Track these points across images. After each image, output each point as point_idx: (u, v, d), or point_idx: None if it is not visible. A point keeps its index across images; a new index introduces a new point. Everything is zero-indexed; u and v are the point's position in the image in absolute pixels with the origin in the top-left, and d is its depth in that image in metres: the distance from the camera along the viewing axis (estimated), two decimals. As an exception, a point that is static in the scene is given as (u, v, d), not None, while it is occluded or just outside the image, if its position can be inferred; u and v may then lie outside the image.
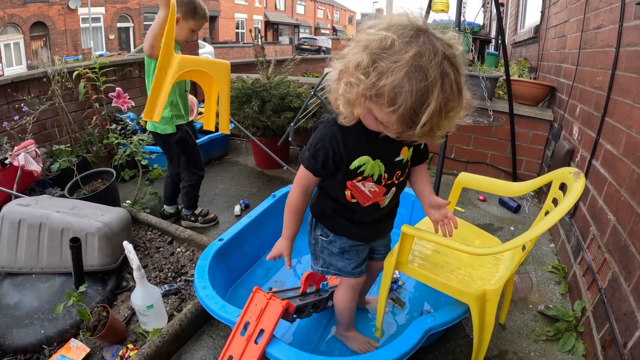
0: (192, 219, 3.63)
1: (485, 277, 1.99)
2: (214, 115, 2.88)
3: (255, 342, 1.77)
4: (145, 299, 2.31)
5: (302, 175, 1.73)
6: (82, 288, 2.39)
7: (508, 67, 4.00)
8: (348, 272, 1.99)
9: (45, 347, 2.34)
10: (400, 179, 1.77)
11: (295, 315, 1.98)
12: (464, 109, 1.32)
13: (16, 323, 2.43)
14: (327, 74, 4.14)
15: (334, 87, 1.41)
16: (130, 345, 2.31)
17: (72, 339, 2.36)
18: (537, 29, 5.76)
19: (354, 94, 1.29)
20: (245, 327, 1.82)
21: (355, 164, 1.62)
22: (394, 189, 1.78)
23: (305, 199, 1.81)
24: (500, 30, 4.18)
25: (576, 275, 2.62)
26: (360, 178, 1.66)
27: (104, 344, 2.34)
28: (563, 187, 1.85)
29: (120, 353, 2.26)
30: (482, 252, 1.79)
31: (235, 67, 7.93)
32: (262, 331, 1.78)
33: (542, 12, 5.58)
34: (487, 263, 2.10)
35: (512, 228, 3.52)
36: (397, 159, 1.67)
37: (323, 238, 1.96)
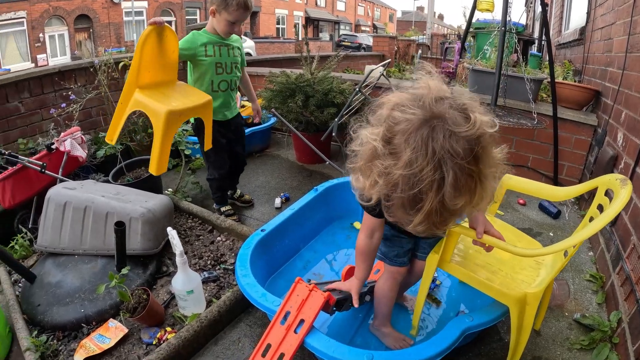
0: (217, 214, 3.62)
1: (527, 281, 1.95)
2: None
3: (295, 332, 1.77)
4: (186, 284, 2.34)
5: (365, 219, 1.78)
6: (124, 270, 2.44)
7: (553, 69, 3.92)
8: (390, 258, 2.01)
9: (84, 325, 2.41)
10: None
11: (334, 308, 1.98)
12: (487, 197, 1.26)
13: (57, 301, 2.50)
14: (371, 70, 4.15)
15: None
16: (168, 329, 2.35)
17: (111, 319, 2.42)
18: (583, 30, 5.59)
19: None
20: (286, 317, 1.83)
21: None
22: None
23: (370, 242, 1.84)
24: (546, 32, 4.11)
25: (614, 285, 2.55)
26: None
27: (142, 325, 2.38)
28: (607, 193, 1.82)
29: (158, 335, 2.30)
30: (528, 252, 1.77)
31: (277, 62, 8.01)
32: (302, 321, 1.78)
33: (588, 14, 5.42)
34: (528, 267, 2.05)
35: (551, 234, 3.44)
36: None
37: None
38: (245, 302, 2.44)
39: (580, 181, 4.04)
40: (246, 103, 5.39)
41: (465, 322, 1.91)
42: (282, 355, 1.74)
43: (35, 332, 2.36)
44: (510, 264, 2.05)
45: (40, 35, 22.44)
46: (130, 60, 4.28)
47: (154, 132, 2.53)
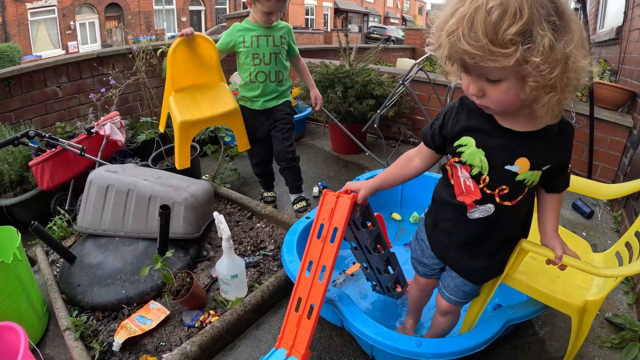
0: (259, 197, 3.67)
1: (584, 286, 1.91)
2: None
3: (331, 242, 1.75)
4: (231, 269, 2.33)
5: (420, 144, 1.66)
6: (168, 254, 2.43)
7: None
8: (411, 256, 1.97)
9: (125, 306, 2.42)
10: (505, 202, 1.46)
11: (360, 217, 1.86)
12: (572, 86, 1.14)
13: (97, 282, 2.51)
14: (414, 65, 4.11)
15: None
16: (212, 312, 2.34)
17: (152, 300, 2.43)
18: (620, 30, 5.43)
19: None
20: (320, 231, 1.80)
21: (457, 142, 1.45)
22: (491, 207, 1.48)
23: (408, 164, 1.70)
24: (585, 27, 4.00)
25: None
26: (457, 160, 1.46)
27: (184, 308, 2.38)
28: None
29: (201, 318, 2.30)
30: (610, 273, 1.63)
31: (310, 53, 7.98)
32: (335, 229, 1.75)
33: (625, 13, 5.26)
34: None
35: (584, 234, 3.36)
36: (508, 167, 1.38)
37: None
38: (286, 287, 2.48)
39: (614, 182, 3.92)
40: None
41: (508, 314, 1.93)
42: (324, 267, 1.74)
43: (75, 312, 2.38)
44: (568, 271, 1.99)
45: (71, 22, 22.72)
46: (167, 47, 4.34)
47: (174, 134, 2.91)
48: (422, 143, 1.64)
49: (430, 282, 1.96)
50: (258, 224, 3.20)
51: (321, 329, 2.29)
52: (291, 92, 3.76)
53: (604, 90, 4.04)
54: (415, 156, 1.69)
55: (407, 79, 3.98)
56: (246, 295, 2.40)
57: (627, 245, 1.94)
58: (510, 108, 1.26)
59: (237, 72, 5.38)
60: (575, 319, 1.79)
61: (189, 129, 2.89)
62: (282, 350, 1.77)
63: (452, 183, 1.55)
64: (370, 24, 44.23)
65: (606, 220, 3.57)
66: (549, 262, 1.57)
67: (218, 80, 3.13)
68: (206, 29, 26.44)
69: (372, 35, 30.23)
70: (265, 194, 3.62)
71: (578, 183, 2.14)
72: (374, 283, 2.26)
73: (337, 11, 43.37)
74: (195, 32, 2.93)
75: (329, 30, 25.44)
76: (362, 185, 1.75)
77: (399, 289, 2.21)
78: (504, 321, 1.89)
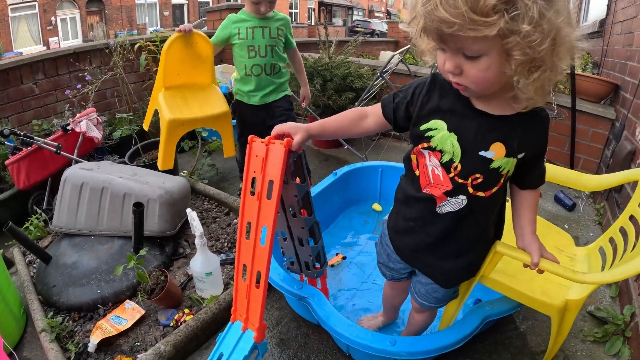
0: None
1: (565, 283, 1.83)
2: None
3: (268, 198, 1.50)
4: (205, 266, 2.30)
5: (376, 105, 1.50)
6: (142, 252, 2.41)
7: (573, 60, 3.80)
8: (377, 260, 1.85)
9: (100, 306, 2.39)
10: (479, 193, 1.34)
11: (292, 166, 1.59)
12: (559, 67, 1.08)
13: (73, 282, 2.47)
14: (392, 57, 4.09)
15: None
16: (186, 310, 2.31)
17: (128, 300, 2.39)
18: (602, 23, 5.45)
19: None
20: (253, 185, 1.56)
21: (426, 125, 1.31)
22: (464, 199, 1.36)
23: (359, 122, 1.54)
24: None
25: (628, 280, 2.47)
26: (426, 145, 1.33)
27: (160, 307, 2.35)
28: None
29: (175, 317, 2.27)
30: (590, 279, 1.52)
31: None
32: (270, 182, 1.50)
33: (608, 6, 5.30)
34: (562, 263, 1.96)
35: (566, 226, 3.36)
36: (483, 153, 1.26)
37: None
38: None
39: (597, 174, 3.96)
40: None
41: (486, 310, 1.89)
42: (264, 228, 1.52)
43: (51, 313, 2.33)
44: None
45: (52, 18, 22.45)
46: (146, 41, 4.30)
47: (160, 133, 2.87)
48: (377, 105, 1.50)
49: (403, 283, 1.87)
50: (235, 220, 3.17)
51: (297, 327, 2.27)
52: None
53: (586, 83, 4.06)
54: (368, 116, 1.53)
55: (386, 71, 3.96)
56: (222, 293, 2.38)
57: (611, 240, 1.92)
58: (489, 88, 1.16)
59: (216, 67, 5.39)
60: (555, 318, 1.76)
61: (177, 128, 2.85)
62: (238, 324, 1.65)
63: (417, 174, 1.42)
64: (355, 17, 43.93)
65: (588, 212, 3.59)
66: (525, 266, 1.46)
67: (210, 82, 3.11)
68: (189, 23, 26.24)
69: (357, 28, 29.96)
70: None
71: (561, 174, 2.10)
72: (291, 260, 2.02)
73: (322, 5, 43.10)
74: (194, 30, 2.91)
75: (313, 24, 25.30)
76: (296, 128, 1.50)
77: (317, 268, 1.99)
78: (482, 317, 1.86)
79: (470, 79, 1.12)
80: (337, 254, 2.78)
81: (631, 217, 1.81)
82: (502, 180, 1.32)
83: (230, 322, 1.68)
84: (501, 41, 1.00)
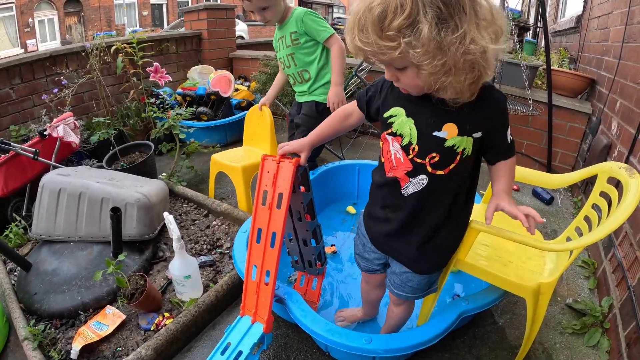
0: None
1: (537, 270, 1.90)
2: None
3: (278, 208, 1.75)
4: (183, 269, 2.31)
5: (353, 102, 1.74)
6: (121, 257, 2.41)
7: (549, 56, 3.83)
8: (354, 252, 1.97)
9: (81, 313, 2.39)
10: (438, 171, 1.43)
11: (299, 178, 1.83)
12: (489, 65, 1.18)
13: (53, 289, 2.47)
14: None
15: None
16: (166, 314, 2.33)
17: (108, 305, 2.40)
18: (579, 18, 5.56)
19: None
20: (265, 197, 1.81)
21: (388, 112, 1.48)
22: (424, 178, 1.46)
23: (346, 121, 1.80)
24: (543, 19, 3.98)
25: (606, 272, 2.52)
26: (390, 131, 1.47)
27: (140, 311, 2.36)
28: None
29: (156, 321, 2.28)
30: (560, 247, 1.76)
31: (269, 45, 7.80)
32: (280, 195, 1.74)
33: (585, 2, 5.37)
34: (533, 256, 2.01)
35: (544, 220, 3.38)
36: (436, 133, 1.37)
37: None
38: (241, 286, 2.42)
39: (574, 168, 4.03)
40: (239, 86, 5.35)
41: (462, 306, 1.92)
42: (274, 234, 1.76)
43: (33, 321, 2.33)
44: (517, 254, 2.00)
45: (30, 20, 22.04)
46: (122, 44, 4.27)
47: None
48: (354, 101, 1.72)
49: (376, 277, 1.94)
50: (214, 222, 3.18)
51: (277, 327, 2.29)
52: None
53: (563, 78, 4.12)
54: (350, 113, 1.76)
55: (362, 70, 3.97)
56: (201, 295, 2.39)
57: (578, 230, 1.96)
58: (423, 90, 1.29)
59: (194, 68, 5.39)
60: (530, 301, 1.79)
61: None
62: (247, 318, 1.86)
63: (383, 160, 1.56)
64: (335, 15, 43.65)
65: (566, 206, 3.63)
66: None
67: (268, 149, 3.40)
68: (168, 23, 25.96)
69: (337, 26, 29.94)
70: None
71: (528, 175, 2.17)
72: (296, 258, 2.23)
73: (301, 3, 42.85)
74: (262, 105, 3.31)
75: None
76: (299, 146, 1.78)
77: (319, 266, 2.20)
78: (458, 313, 1.88)
79: (405, 85, 1.30)
80: (331, 245, 2.87)
81: (594, 206, 1.85)
82: (458, 158, 1.41)
83: (239, 316, 1.89)
84: (409, 58, 1.14)
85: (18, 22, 21.80)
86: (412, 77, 1.23)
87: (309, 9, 2.78)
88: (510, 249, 2.01)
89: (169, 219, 2.30)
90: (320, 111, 2.96)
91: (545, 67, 3.94)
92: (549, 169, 4.07)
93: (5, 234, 3.13)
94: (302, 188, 1.85)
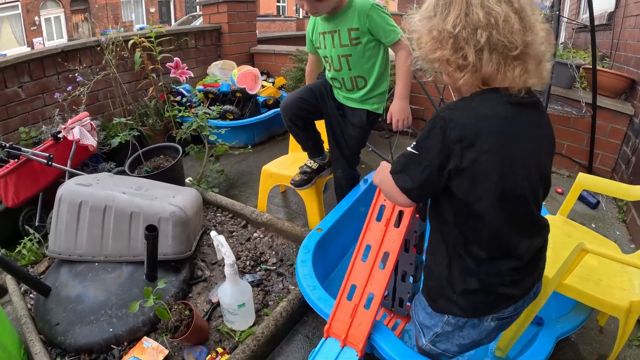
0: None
1: (625, 287, 1.81)
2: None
3: (395, 227, 1.59)
4: (237, 297, 1.94)
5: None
6: (161, 284, 1.98)
7: (595, 55, 3.65)
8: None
9: (114, 347, 2.02)
10: None
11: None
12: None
13: (79, 319, 2.08)
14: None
15: None
16: (219, 349, 1.95)
17: (145, 337, 2.02)
18: (611, 15, 5.34)
19: None
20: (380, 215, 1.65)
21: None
22: None
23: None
24: (591, 17, 3.74)
25: None
26: None
27: (185, 345, 1.98)
28: None
29: (207, 358, 1.91)
30: None
31: (290, 40, 7.27)
32: (401, 212, 1.59)
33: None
34: (617, 272, 1.93)
35: (593, 225, 3.22)
36: None
37: None
38: (300, 311, 2.17)
39: (614, 171, 3.89)
40: (265, 83, 4.97)
41: (557, 329, 1.76)
42: (386, 254, 1.59)
43: (57, 358, 1.99)
44: (602, 270, 1.90)
45: (36, 18, 21.68)
46: (140, 37, 3.89)
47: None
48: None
49: None
50: (255, 234, 2.79)
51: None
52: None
53: (603, 77, 3.94)
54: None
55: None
56: (254, 324, 2.05)
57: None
58: None
59: (214, 63, 5.00)
60: (622, 320, 1.73)
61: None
62: (334, 341, 1.62)
63: None
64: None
65: (611, 210, 3.47)
66: None
67: None
68: (175, 20, 25.72)
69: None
70: (308, 162, 2.74)
71: (610, 187, 2.16)
72: (386, 293, 1.87)
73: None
74: None
75: (301, 17, 24.79)
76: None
77: (408, 307, 1.92)
78: (555, 337, 1.72)
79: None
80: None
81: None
82: None
83: (323, 339, 1.64)
84: None
85: (24, 20, 21.44)
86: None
87: (375, 1, 2.19)
88: (595, 265, 1.91)
89: (219, 240, 1.89)
90: (371, 121, 2.48)
91: (585, 66, 3.85)
92: (590, 170, 3.93)
93: (18, 249, 2.73)
94: (417, 215, 1.64)
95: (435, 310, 1.30)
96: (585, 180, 2.18)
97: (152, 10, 26.62)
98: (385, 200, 1.60)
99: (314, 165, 2.69)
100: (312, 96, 2.49)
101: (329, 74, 2.42)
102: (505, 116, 1.08)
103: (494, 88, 1.09)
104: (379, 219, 1.62)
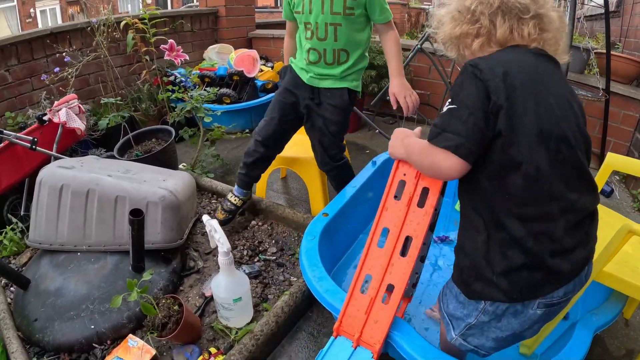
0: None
1: None
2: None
3: (418, 206, 1.36)
4: (232, 291, 1.75)
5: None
6: (146, 275, 1.78)
7: (609, 40, 3.54)
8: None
9: (97, 345, 1.86)
10: None
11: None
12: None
13: (58, 315, 1.91)
14: (425, 35, 3.88)
15: None
16: (213, 349, 1.76)
17: (131, 335, 1.83)
18: (620, 2, 5.41)
19: None
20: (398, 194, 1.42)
21: None
22: None
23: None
24: (605, 2, 3.64)
25: None
26: None
27: (175, 344, 1.79)
28: None
29: (200, 359, 1.72)
30: None
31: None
32: (425, 189, 1.36)
33: (626, -14, 5.25)
34: None
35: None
36: None
37: None
38: (304, 306, 2.02)
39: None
40: (263, 67, 4.82)
41: (594, 323, 1.65)
42: (408, 238, 1.37)
43: (35, 357, 1.84)
44: (637, 256, 1.78)
45: (31, 10, 21.64)
46: (133, 19, 3.70)
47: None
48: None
49: None
50: (253, 222, 2.60)
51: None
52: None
53: (617, 63, 3.86)
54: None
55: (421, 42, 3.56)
56: (252, 320, 1.86)
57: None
58: None
59: (211, 47, 4.81)
60: None
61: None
62: (345, 340, 1.44)
63: None
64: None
65: (625, 198, 3.42)
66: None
67: None
68: (172, 8, 25.79)
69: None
70: (230, 198, 2.55)
71: (637, 166, 2.05)
72: (411, 282, 1.70)
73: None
74: None
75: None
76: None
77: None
78: (593, 331, 1.61)
79: None
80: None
81: None
82: None
83: (332, 337, 1.47)
84: None
85: (19, 12, 21.35)
86: None
87: None
88: (630, 251, 1.77)
89: (212, 224, 1.70)
90: (352, 100, 2.29)
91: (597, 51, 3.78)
92: (602, 157, 3.78)
93: (-1, 240, 2.53)
94: None
95: (470, 297, 1.17)
96: (614, 161, 2.06)
97: (149, 1, 26.58)
98: (405, 175, 1.38)
99: (238, 202, 2.51)
100: (290, 112, 2.35)
101: (307, 44, 2.15)
102: (530, 61, 1.10)
103: (514, 45, 1.13)
104: (398, 197, 1.40)
